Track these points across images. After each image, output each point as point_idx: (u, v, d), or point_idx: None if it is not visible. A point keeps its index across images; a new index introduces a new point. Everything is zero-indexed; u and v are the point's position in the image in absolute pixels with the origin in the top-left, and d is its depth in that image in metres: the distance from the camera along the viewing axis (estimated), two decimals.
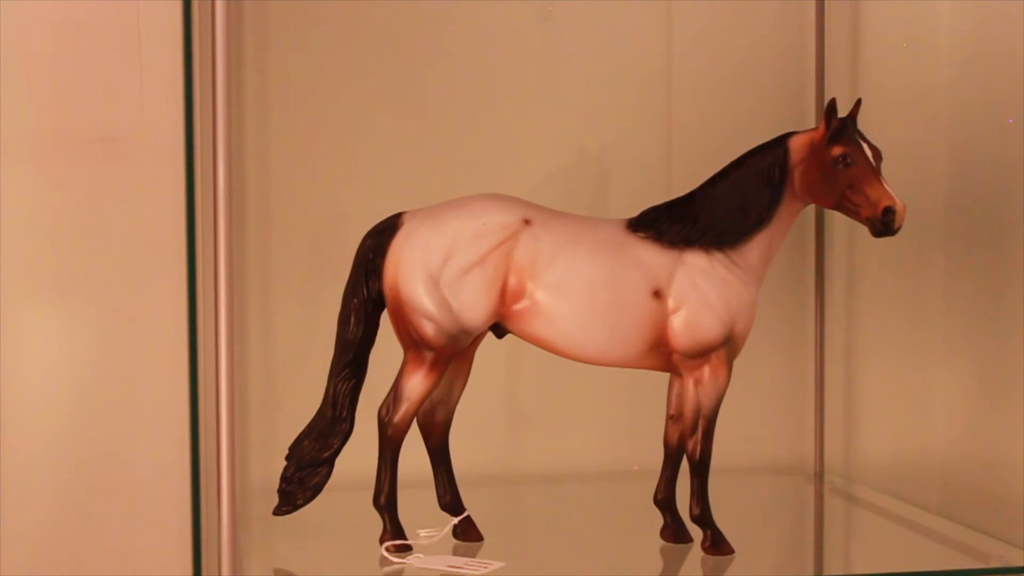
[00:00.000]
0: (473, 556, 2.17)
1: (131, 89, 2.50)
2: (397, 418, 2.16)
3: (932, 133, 2.88)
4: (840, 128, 2.14)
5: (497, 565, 2.10)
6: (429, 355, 2.15)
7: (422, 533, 2.21)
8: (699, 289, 2.16)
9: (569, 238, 2.17)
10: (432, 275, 2.13)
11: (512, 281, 2.15)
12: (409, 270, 2.14)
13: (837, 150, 2.14)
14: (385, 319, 2.19)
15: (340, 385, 2.19)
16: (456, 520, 2.25)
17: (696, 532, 2.24)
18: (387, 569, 2.12)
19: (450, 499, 2.28)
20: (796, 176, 2.18)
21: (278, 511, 2.21)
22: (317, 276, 2.69)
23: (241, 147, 2.66)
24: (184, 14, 2.04)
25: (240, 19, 2.65)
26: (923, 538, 2.46)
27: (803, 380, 2.89)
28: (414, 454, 2.24)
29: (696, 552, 2.22)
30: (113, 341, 2.54)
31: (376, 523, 2.19)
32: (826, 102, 2.16)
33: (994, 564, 2.26)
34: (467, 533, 2.27)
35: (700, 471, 2.21)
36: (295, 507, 2.21)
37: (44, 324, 2.53)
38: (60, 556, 2.52)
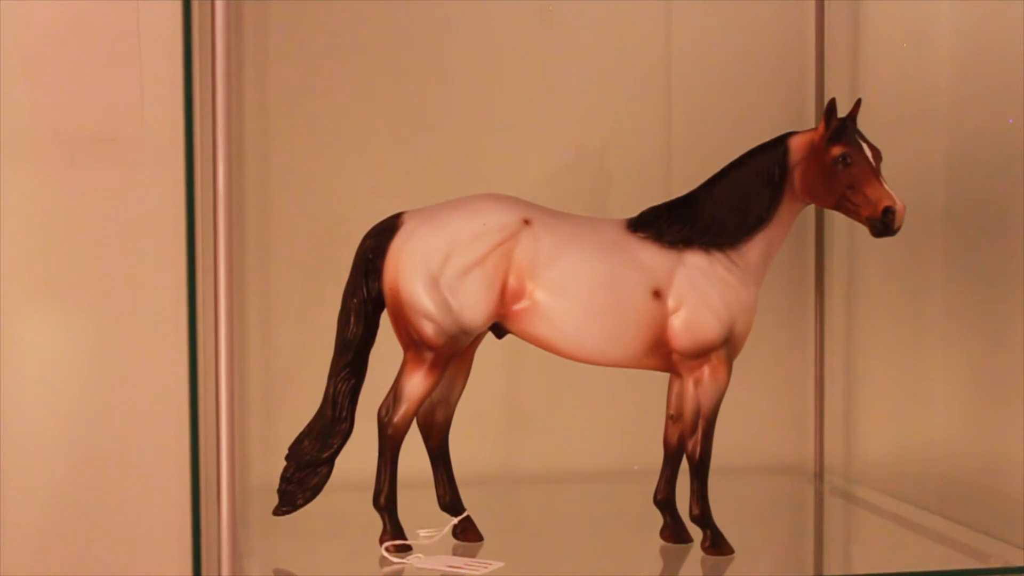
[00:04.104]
0: (473, 556, 2.17)
1: (131, 89, 2.50)
2: (397, 418, 2.16)
3: (932, 133, 2.88)
4: (840, 128, 2.14)
5: (497, 565, 2.10)
6: (429, 355, 2.14)
7: (422, 533, 2.21)
8: (699, 289, 2.16)
9: (569, 238, 2.17)
10: (432, 275, 2.13)
11: (512, 281, 2.15)
12: (409, 270, 2.14)
13: (837, 150, 2.14)
14: (385, 319, 2.19)
15: (340, 385, 2.19)
16: (456, 520, 2.25)
17: (696, 532, 2.24)
18: (387, 569, 2.12)
19: (450, 499, 2.28)
20: (796, 176, 2.18)
21: (278, 511, 2.21)
22: (317, 276, 2.69)
23: (241, 147, 2.66)
24: (184, 14, 2.04)
25: (240, 19, 2.65)
26: (923, 538, 2.46)
27: (803, 380, 2.89)
28: (414, 454, 2.24)
29: (696, 552, 2.22)
30: (113, 341, 2.54)
31: (376, 523, 2.19)
32: (826, 102, 2.16)
33: (994, 564, 2.26)
34: (467, 533, 2.27)
35: (700, 471, 2.21)
36: (295, 507, 2.21)
37: (44, 324, 2.53)
38: (60, 555, 2.52)
